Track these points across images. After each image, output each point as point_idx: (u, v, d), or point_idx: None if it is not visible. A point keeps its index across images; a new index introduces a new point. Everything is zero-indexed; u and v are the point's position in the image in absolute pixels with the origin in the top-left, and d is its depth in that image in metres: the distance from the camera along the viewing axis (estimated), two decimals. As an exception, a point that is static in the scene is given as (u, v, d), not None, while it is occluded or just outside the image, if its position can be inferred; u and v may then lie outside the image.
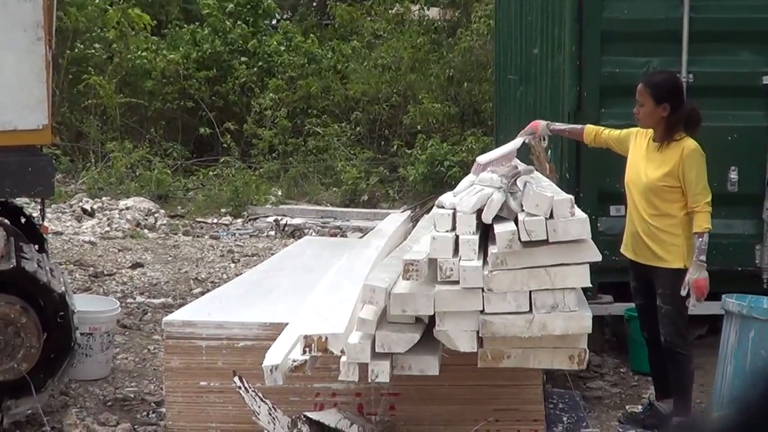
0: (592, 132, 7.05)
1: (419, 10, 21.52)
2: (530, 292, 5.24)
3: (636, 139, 6.78)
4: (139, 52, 20.70)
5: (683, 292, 6.37)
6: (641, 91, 6.58)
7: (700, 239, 6.37)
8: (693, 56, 8.03)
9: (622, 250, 6.88)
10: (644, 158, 6.63)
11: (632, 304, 8.14)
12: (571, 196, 5.45)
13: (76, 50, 20.00)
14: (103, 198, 16.81)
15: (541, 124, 7.16)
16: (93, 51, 20.29)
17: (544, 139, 7.22)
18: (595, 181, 8.12)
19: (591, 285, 5.50)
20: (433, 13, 21.86)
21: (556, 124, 7.29)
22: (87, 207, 16.06)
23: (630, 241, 6.78)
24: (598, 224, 7.95)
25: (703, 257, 6.34)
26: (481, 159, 6.50)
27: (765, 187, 7.98)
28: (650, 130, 6.64)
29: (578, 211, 5.38)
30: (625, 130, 6.88)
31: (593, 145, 7.12)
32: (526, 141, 7.08)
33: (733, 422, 1.41)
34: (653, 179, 6.51)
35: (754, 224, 8.03)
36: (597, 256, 5.34)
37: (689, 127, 6.54)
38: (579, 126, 7.22)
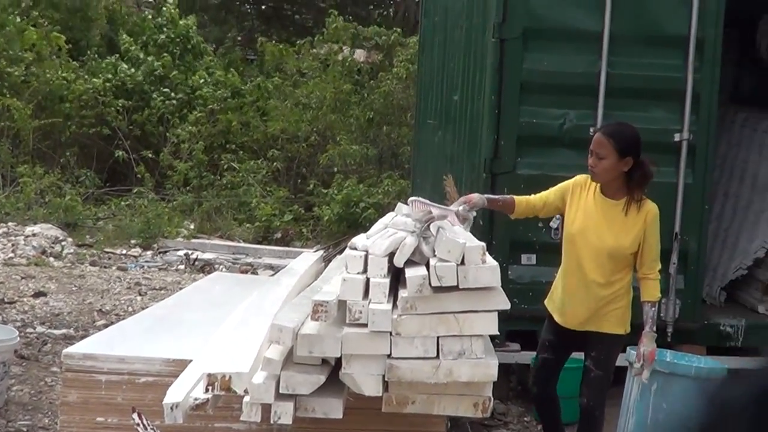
0: (521, 202, 6.60)
1: (344, 52, 21.59)
2: (438, 337, 5.25)
3: (576, 193, 6.45)
4: (59, 74, 20.46)
5: (636, 365, 6.29)
6: (602, 142, 6.22)
7: (653, 309, 6.30)
8: (609, 110, 8.12)
9: (550, 310, 6.63)
10: (602, 218, 6.30)
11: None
12: (482, 244, 5.48)
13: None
14: (9, 223, 16.50)
15: (475, 196, 6.61)
16: (10, 71, 20.00)
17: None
18: (508, 229, 8.16)
19: (499, 333, 5.53)
20: (358, 55, 21.96)
21: (491, 195, 6.85)
22: (-8, 232, 15.80)
23: (565, 302, 6.48)
24: (509, 272, 8.01)
25: (654, 327, 6.30)
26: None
27: (672, 241, 8.10)
28: (592, 184, 6.38)
29: (489, 259, 5.41)
30: (552, 190, 6.58)
31: (521, 216, 6.76)
32: (460, 209, 6.54)
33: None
34: (624, 245, 6.24)
35: (660, 278, 8.14)
36: (506, 304, 5.38)
37: (643, 182, 6.32)
38: (509, 197, 6.78)
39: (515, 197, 6.67)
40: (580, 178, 6.47)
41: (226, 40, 27.73)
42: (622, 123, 6.68)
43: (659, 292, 6.35)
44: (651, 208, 6.29)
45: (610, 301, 6.32)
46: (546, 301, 6.71)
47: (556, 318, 6.55)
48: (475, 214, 6.54)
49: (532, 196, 6.66)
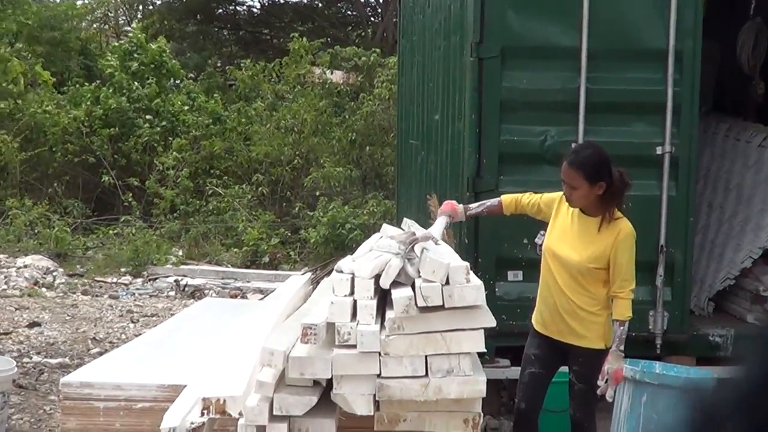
0: (511, 203, 6.69)
1: (321, 74, 21.67)
2: (426, 356, 5.29)
3: (560, 207, 6.51)
4: (43, 107, 20.50)
5: (601, 382, 6.22)
6: (571, 173, 6.23)
7: (621, 327, 6.23)
8: (589, 126, 8.15)
9: (533, 321, 6.65)
10: (576, 233, 6.37)
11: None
12: (466, 263, 5.52)
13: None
14: (0, 255, 16.57)
15: (458, 208, 6.72)
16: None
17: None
18: (493, 246, 8.22)
19: (486, 350, 5.58)
20: (337, 77, 22.04)
21: (471, 206, 6.86)
22: (-17, 265, 15.84)
23: (545, 314, 6.52)
24: (496, 289, 8.07)
25: (622, 347, 6.25)
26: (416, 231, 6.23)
27: (658, 254, 8.16)
28: None
29: (474, 278, 5.47)
30: (545, 197, 6.64)
31: (513, 213, 6.79)
32: (448, 222, 6.63)
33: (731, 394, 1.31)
34: (588, 261, 6.25)
35: (647, 290, 8.17)
36: (492, 322, 5.42)
37: (618, 196, 6.31)
38: (494, 201, 6.83)
39: (503, 199, 6.72)
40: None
41: (205, 66, 27.81)
42: (586, 147, 6.65)
43: (629, 312, 6.29)
44: (624, 227, 6.28)
45: (588, 315, 6.32)
46: (533, 320, 6.70)
47: (538, 328, 6.58)
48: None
49: (523, 195, 6.69)
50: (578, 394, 6.46)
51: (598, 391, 6.28)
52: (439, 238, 6.08)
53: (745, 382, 1.29)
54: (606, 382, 6.21)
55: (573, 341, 6.39)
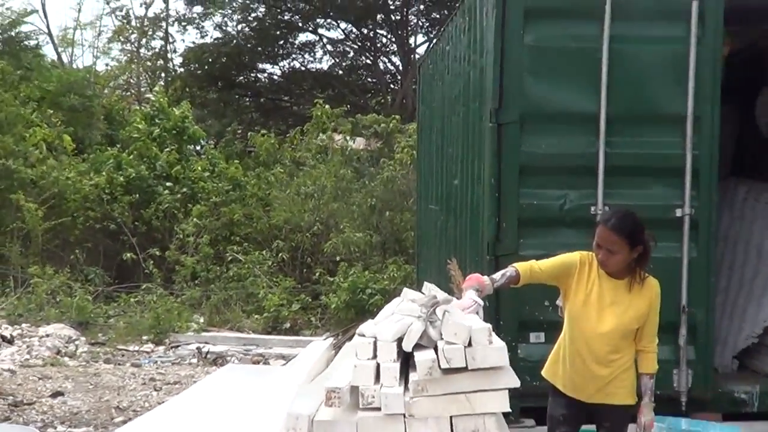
0: (526, 272, 6.45)
1: (342, 140, 21.80)
2: (451, 417, 5.34)
3: (583, 270, 6.41)
4: (66, 174, 20.63)
5: None
6: (610, 238, 6.21)
7: (651, 380, 6.41)
8: (609, 189, 8.18)
9: (559, 385, 6.59)
10: (606, 297, 6.32)
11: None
12: (489, 325, 5.58)
13: (3, 162, 19.89)
14: (23, 324, 16.61)
15: (485, 281, 6.41)
16: (21, 170, 20.13)
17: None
18: (514, 309, 8.23)
19: (511, 410, 5.63)
20: (357, 143, 22.16)
21: (495, 277, 6.54)
22: (6, 334, 15.84)
23: (576, 379, 6.46)
24: (519, 350, 8.07)
25: (653, 398, 6.41)
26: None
27: (680, 314, 8.19)
28: (594, 261, 6.37)
29: (496, 339, 5.53)
30: (560, 261, 6.53)
31: (526, 284, 6.58)
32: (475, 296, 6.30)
33: None
34: (629, 324, 6.29)
35: (671, 350, 8.18)
36: (515, 382, 5.48)
37: (646, 260, 6.38)
38: (512, 271, 6.55)
39: (518, 268, 6.52)
40: (585, 254, 6.45)
41: (226, 133, 28.01)
42: (624, 213, 6.49)
43: (656, 364, 6.44)
44: (654, 284, 6.37)
45: (616, 376, 6.35)
46: (546, 373, 6.70)
47: (567, 392, 6.52)
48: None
49: (535, 263, 6.56)
50: None
51: None
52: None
53: None
54: None
55: (604, 400, 6.40)
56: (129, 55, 36.49)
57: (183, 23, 35.92)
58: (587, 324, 6.35)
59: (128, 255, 19.91)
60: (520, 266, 6.52)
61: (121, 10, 36.41)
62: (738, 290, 9.85)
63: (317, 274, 19.37)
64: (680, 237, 8.22)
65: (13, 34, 27.02)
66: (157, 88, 24.39)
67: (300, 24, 34.92)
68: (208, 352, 15.55)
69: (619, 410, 6.41)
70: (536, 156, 8.25)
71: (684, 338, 8.24)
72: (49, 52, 31.70)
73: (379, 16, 34.97)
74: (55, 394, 12.16)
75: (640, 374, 6.41)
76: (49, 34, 33.31)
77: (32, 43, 28.26)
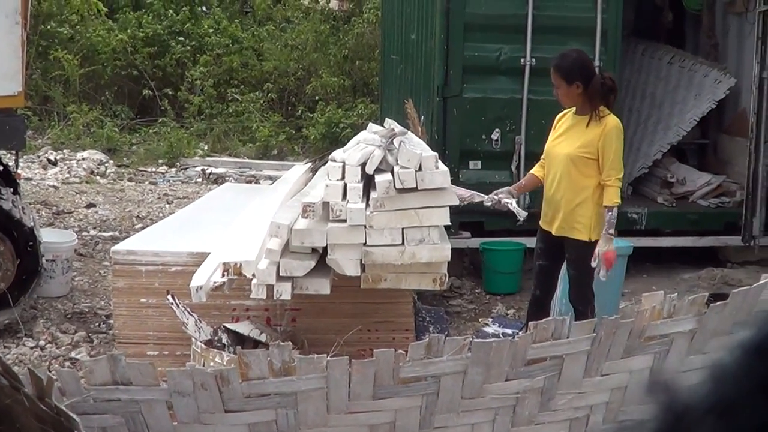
0: (540, 172, 6.19)
1: (324, 2, 21.43)
2: (402, 228, 5.30)
3: (557, 123, 6.11)
4: (97, 32, 20.27)
5: (594, 264, 5.77)
6: (553, 75, 5.90)
7: (610, 213, 5.78)
8: (535, 45, 8.19)
9: (540, 223, 6.16)
10: (569, 132, 5.94)
11: (487, 239, 8.36)
12: (436, 153, 5.54)
13: (48, 28, 19.52)
14: (64, 150, 16.44)
15: (513, 191, 6.17)
16: (60, 31, 19.80)
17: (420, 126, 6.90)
18: (458, 141, 8.27)
19: (451, 223, 5.60)
20: (333, 4, 21.79)
21: (521, 184, 6.46)
22: (51, 158, 15.71)
23: (548, 212, 6.04)
24: (460, 175, 8.06)
25: (612, 230, 5.83)
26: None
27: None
28: (569, 110, 6.02)
29: (441, 165, 5.47)
30: (548, 144, 6.18)
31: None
32: (504, 200, 6.05)
33: (708, 397, 1.01)
34: (573, 149, 5.81)
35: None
36: (455, 201, 5.48)
37: (605, 96, 5.87)
38: (531, 177, 6.31)
39: (534, 173, 6.27)
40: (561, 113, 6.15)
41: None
42: (566, 53, 6.17)
43: (617, 198, 5.82)
44: (610, 120, 5.83)
45: (577, 207, 5.86)
46: (540, 222, 6.21)
47: (542, 224, 6.14)
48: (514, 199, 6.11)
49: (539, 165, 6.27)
50: (572, 280, 6.12)
51: (596, 272, 5.85)
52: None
53: (725, 384, 1.01)
54: (597, 262, 5.78)
55: (566, 234, 5.94)
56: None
57: None
58: (551, 156, 6.01)
59: (147, 93, 19.66)
60: (536, 171, 6.29)
61: None
62: (635, 130, 9.91)
63: (300, 111, 19.19)
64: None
65: None
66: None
67: None
68: (210, 173, 15.49)
69: (576, 243, 5.90)
70: (478, 15, 8.28)
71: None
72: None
73: None
74: (89, 206, 12.06)
75: (603, 207, 5.83)
76: None
77: None
